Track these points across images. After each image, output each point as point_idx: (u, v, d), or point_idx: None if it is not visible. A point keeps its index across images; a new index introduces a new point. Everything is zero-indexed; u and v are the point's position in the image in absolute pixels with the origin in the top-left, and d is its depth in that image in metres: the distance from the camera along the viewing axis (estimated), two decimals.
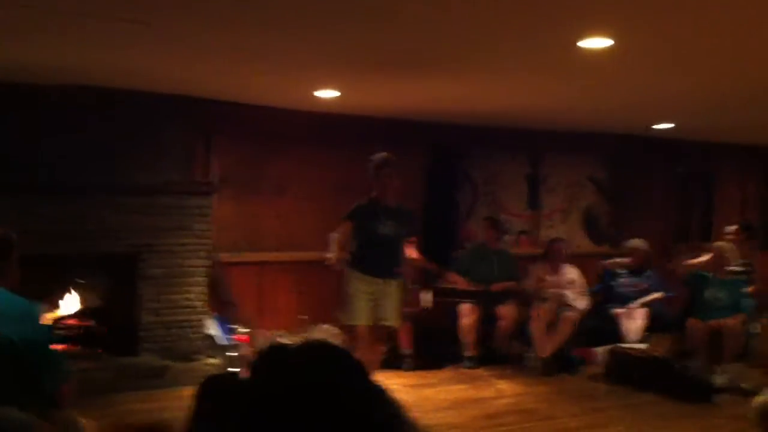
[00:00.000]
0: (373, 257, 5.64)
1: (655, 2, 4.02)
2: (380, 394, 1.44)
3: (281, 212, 7.72)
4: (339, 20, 4.35)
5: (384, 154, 5.80)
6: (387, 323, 5.73)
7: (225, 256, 7.16)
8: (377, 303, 5.65)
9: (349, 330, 5.66)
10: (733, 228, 8.14)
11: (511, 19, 4.33)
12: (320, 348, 1.46)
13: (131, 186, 6.36)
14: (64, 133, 6.21)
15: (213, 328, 6.67)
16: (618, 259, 8.05)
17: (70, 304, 6.48)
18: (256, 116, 7.30)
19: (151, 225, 6.41)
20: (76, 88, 6.14)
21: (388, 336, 6.32)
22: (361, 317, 5.61)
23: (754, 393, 6.07)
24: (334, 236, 5.79)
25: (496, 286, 7.51)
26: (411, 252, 6.68)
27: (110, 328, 6.47)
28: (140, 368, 6.20)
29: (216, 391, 3.04)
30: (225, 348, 6.58)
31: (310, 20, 4.36)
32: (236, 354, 6.54)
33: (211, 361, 6.43)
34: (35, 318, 3.38)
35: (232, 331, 6.88)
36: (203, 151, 7.29)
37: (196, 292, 6.54)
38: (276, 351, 1.47)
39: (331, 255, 5.74)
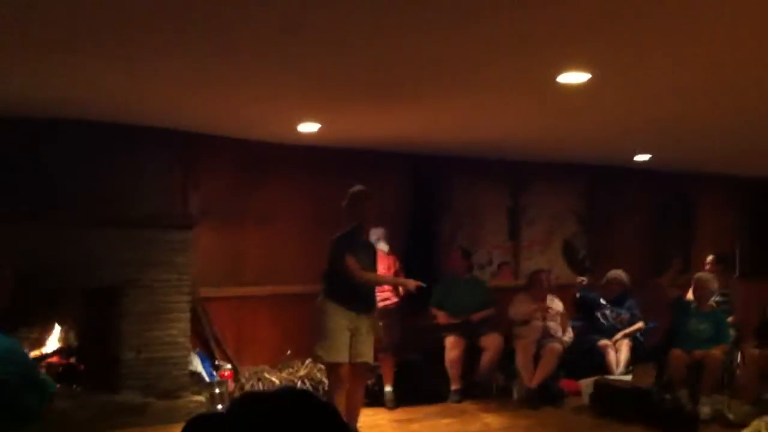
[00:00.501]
0: (355, 291, 5.54)
1: (632, 37, 4.09)
2: None
3: (263, 245, 7.69)
4: (318, 52, 4.38)
5: (361, 187, 5.73)
6: (364, 359, 5.60)
7: (206, 291, 7.12)
8: (355, 339, 5.53)
9: (330, 367, 5.60)
10: (710, 258, 8.22)
11: (491, 52, 4.37)
12: (294, 397, 1.45)
13: (113, 218, 6.30)
14: (43, 165, 6.17)
15: (197, 365, 6.61)
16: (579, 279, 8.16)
17: (52, 341, 6.41)
18: (237, 148, 7.32)
19: (133, 259, 6.36)
20: (56, 120, 6.12)
21: (370, 371, 6.26)
22: (344, 354, 5.47)
23: (740, 425, 6.16)
24: (373, 277, 5.80)
25: (476, 316, 7.51)
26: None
27: (90, 364, 6.39)
28: (121, 406, 6.10)
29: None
30: (209, 385, 6.51)
31: (290, 54, 4.39)
32: (220, 391, 6.48)
33: (196, 398, 6.35)
34: (20, 354, 3.36)
35: (215, 368, 6.82)
36: (184, 183, 7.26)
37: (179, 328, 6.48)
38: (249, 400, 1.47)
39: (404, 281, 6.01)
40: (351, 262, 5.49)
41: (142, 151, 6.58)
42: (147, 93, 5.44)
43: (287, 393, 1.47)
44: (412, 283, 5.80)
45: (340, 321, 5.48)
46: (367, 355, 5.60)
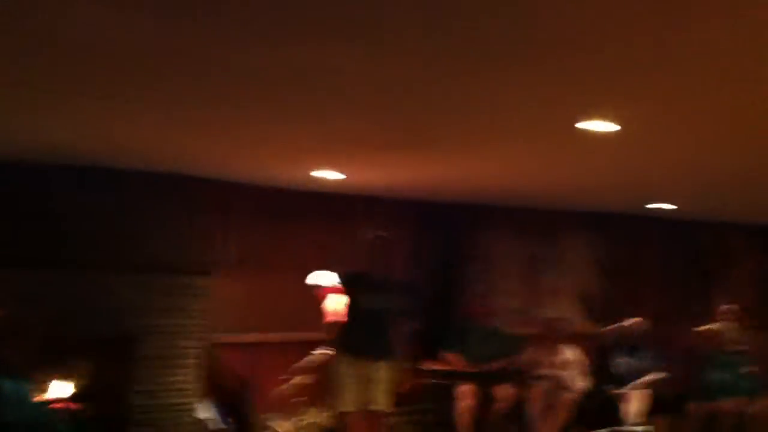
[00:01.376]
0: (362, 335, 5.45)
1: (657, 89, 4.06)
2: None
3: (284, 292, 7.58)
4: (340, 105, 4.39)
5: (379, 230, 5.74)
6: (376, 407, 5.46)
7: (224, 337, 7.02)
8: (366, 386, 5.42)
9: (341, 417, 5.51)
10: (726, 308, 8.12)
11: (516, 100, 4.33)
12: None
13: (129, 264, 6.27)
14: (64, 211, 6.16)
15: (207, 412, 6.50)
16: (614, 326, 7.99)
17: (60, 387, 6.33)
18: (260, 196, 7.30)
19: (148, 305, 6.33)
20: (72, 167, 6.12)
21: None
22: (349, 403, 5.38)
23: None
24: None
25: (496, 365, 7.38)
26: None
27: (102, 410, 6.30)
28: None
29: None
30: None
31: (311, 105, 4.39)
32: None
33: None
34: (29, 399, 3.32)
35: (230, 414, 6.71)
36: (206, 230, 7.22)
37: (192, 375, 6.40)
38: None
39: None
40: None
41: (161, 197, 6.56)
42: (164, 138, 5.45)
43: None
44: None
45: (346, 369, 5.41)
46: (381, 402, 5.47)
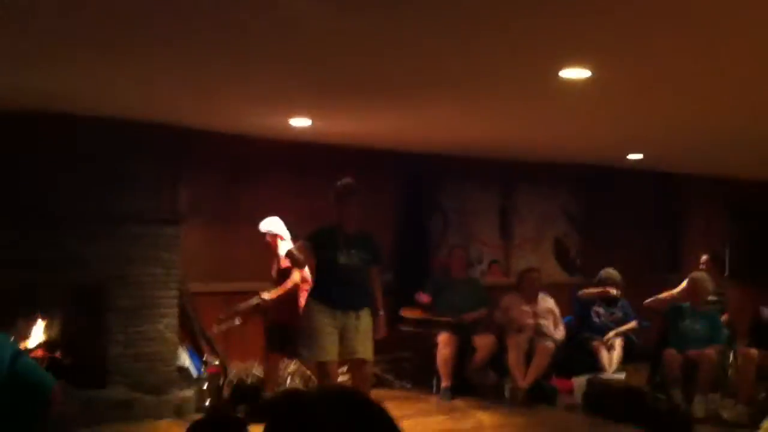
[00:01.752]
0: (336, 289, 5.39)
1: (634, 36, 4.02)
2: None
3: (251, 242, 7.58)
4: (312, 49, 4.28)
5: (347, 180, 5.62)
6: (358, 356, 5.43)
7: (194, 286, 7.01)
8: (344, 336, 5.38)
9: (316, 368, 5.49)
10: (704, 258, 8.18)
11: (489, 48, 4.28)
12: (343, 397, 1.34)
13: (99, 214, 6.18)
14: (28, 161, 6.05)
15: (185, 360, 6.50)
16: (591, 289, 8.01)
17: (36, 335, 6.29)
18: (226, 144, 7.21)
19: (120, 255, 6.25)
20: (39, 114, 5.99)
21: None
22: (328, 353, 5.31)
23: (734, 424, 6.13)
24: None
25: (469, 316, 7.43)
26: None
27: (76, 359, 6.27)
28: (108, 401, 5.99)
29: None
30: (197, 380, 6.41)
31: (282, 50, 4.29)
32: (209, 386, 6.38)
33: (183, 393, 6.24)
34: (8, 344, 3.23)
35: (204, 363, 6.72)
36: (172, 179, 7.15)
37: (166, 324, 6.37)
38: (292, 400, 1.35)
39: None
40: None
41: (128, 146, 6.45)
42: (134, 87, 5.32)
43: (336, 396, 1.35)
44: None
45: (323, 320, 5.34)
46: (362, 352, 5.44)
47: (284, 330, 6.21)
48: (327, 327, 5.33)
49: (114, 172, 6.37)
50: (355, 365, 5.52)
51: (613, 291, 7.85)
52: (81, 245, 6.08)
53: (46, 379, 3.21)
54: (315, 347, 5.35)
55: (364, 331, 5.47)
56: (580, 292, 8.07)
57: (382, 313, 5.66)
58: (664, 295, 7.54)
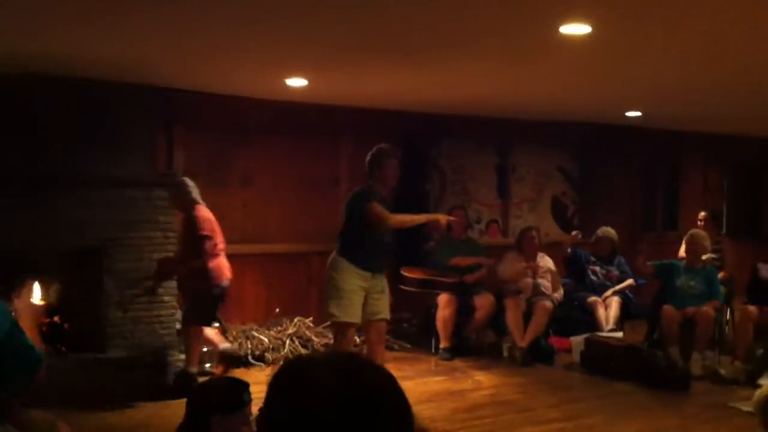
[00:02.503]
0: (371, 251, 5.42)
1: None
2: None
3: (247, 204, 7.57)
4: (308, 5, 4.20)
5: (384, 144, 5.58)
6: (382, 316, 5.53)
7: None
8: (370, 298, 5.44)
9: (338, 327, 5.50)
10: (702, 215, 8.18)
11: (491, 3, 4.22)
12: (349, 362, 1.31)
13: (93, 178, 6.13)
14: (22, 124, 5.98)
15: None
16: (574, 232, 8.02)
17: (34, 300, 6.25)
18: (221, 106, 7.16)
19: (116, 218, 6.19)
20: (34, 77, 5.91)
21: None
22: (357, 314, 5.38)
23: (732, 381, 6.17)
24: (401, 217, 5.58)
25: (469, 277, 7.43)
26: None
27: (76, 324, 6.26)
28: (108, 364, 5.99)
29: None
30: None
31: (277, 5, 4.21)
32: (208, 349, 6.38)
33: (183, 356, 6.24)
34: (5, 310, 3.19)
35: None
36: (167, 141, 7.11)
37: (165, 287, 6.35)
38: (300, 366, 1.33)
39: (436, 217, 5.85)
40: (376, 208, 5.34)
41: (123, 109, 6.37)
42: (127, 47, 5.23)
43: (343, 361, 1.33)
44: (442, 218, 5.85)
45: (353, 281, 5.38)
46: (385, 312, 5.55)
47: (205, 300, 6.06)
48: (359, 289, 5.40)
49: (108, 136, 6.30)
50: (375, 324, 5.55)
51: (574, 233, 7.96)
52: (78, 209, 6.03)
53: (39, 356, 3.18)
54: (348, 308, 5.38)
55: (386, 293, 5.58)
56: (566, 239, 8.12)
57: (415, 274, 6.23)
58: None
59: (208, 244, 5.93)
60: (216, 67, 5.97)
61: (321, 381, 1.24)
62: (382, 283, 5.54)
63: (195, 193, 6.03)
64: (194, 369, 5.98)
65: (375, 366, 1.31)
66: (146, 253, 6.34)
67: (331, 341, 6.99)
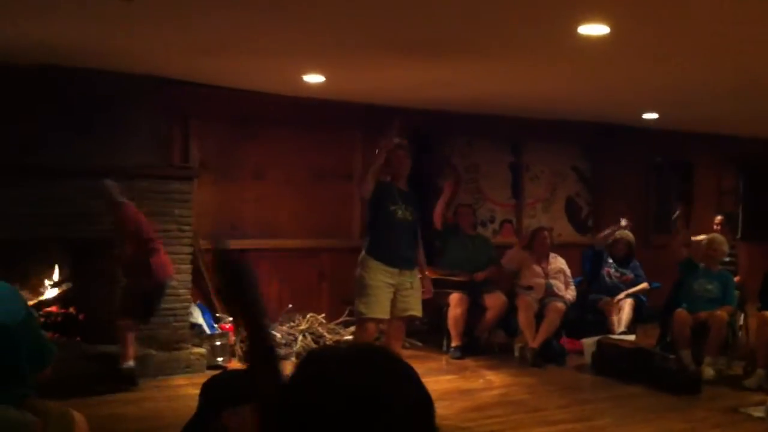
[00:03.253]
0: (393, 245, 5.43)
1: None
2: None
3: (259, 198, 7.59)
4: (329, 2, 4.22)
5: (397, 139, 5.62)
6: (412, 313, 5.58)
7: (205, 243, 7.02)
8: (400, 295, 5.47)
9: (361, 323, 5.52)
10: (718, 219, 8.13)
11: (511, 3, 4.22)
12: (374, 355, 1.32)
13: (109, 169, 6.16)
14: (38, 115, 6.01)
15: (198, 317, 6.53)
16: (604, 232, 7.95)
17: (48, 289, 6.31)
18: (235, 99, 7.18)
19: None
20: (49, 67, 5.95)
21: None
22: (384, 311, 5.40)
23: (759, 388, 6.13)
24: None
25: (480, 275, 7.42)
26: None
27: (90, 315, 6.30)
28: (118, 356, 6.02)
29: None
30: (210, 337, 6.44)
31: (301, 3, 4.22)
32: (221, 343, 6.41)
33: (196, 350, 6.28)
34: (22, 299, 3.22)
35: (216, 320, 6.75)
36: (182, 134, 7.14)
37: (180, 280, 6.38)
38: (321, 358, 1.34)
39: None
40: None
41: (139, 100, 6.40)
42: (144, 41, 5.26)
43: (367, 353, 1.34)
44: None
45: (380, 278, 5.40)
46: (416, 309, 5.59)
47: (139, 295, 5.89)
48: (385, 286, 5.42)
49: (125, 127, 6.34)
50: (396, 321, 5.58)
51: (623, 222, 7.78)
52: (92, 201, 6.05)
53: (51, 348, 3.22)
54: (374, 305, 5.40)
55: (417, 288, 5.61)
56: (596, 237, 8.03)
57: (427, 272, 5.92)
58: (694, 239, 7.54)
59: (147, 241, 5.83)
60: (234, 63, 6.00)
61: (344, 373, 1.25)
62: (412, 279, 5.55)
63: (116, 193, 5.84)
64: (130, 363, 5.77)
65: (397, 358, 1.32)
66: (162, 246, 6.36)
67: (343, 338, 7.05)
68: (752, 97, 7.14)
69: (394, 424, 1.22)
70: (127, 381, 5.67)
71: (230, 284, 1.97)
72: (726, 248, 7.21)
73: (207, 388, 2.95)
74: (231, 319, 6.50)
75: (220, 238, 6.65)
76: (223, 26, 4.79)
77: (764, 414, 5.41)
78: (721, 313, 6.70)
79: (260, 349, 1.86)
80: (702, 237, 7.64)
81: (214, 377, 2.95)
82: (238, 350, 6.58)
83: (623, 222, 7.68)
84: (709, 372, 6.51)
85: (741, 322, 7.73)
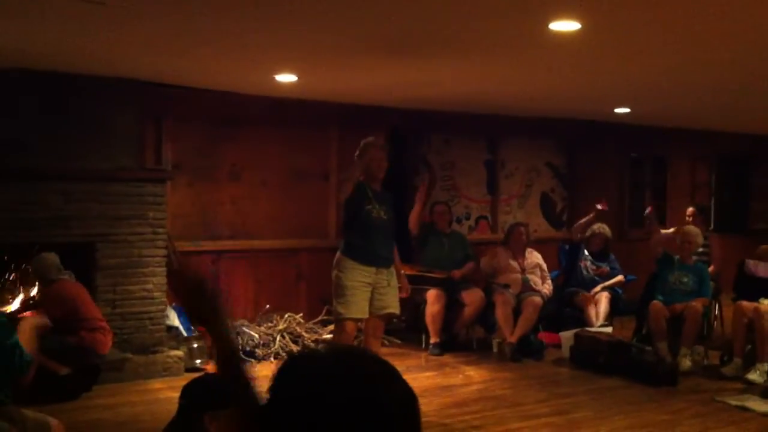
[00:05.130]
0: (370, 244, 5.42)
1: None
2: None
3: (236, 199, 7.56)
4: (300, 2, 4.20)
5: (372, 138, 5.61)
6: (390, 311, 5.57)
7: (181, 245, 6.99)
8: (377, 293, 5.46)
9: (339, 323, 5.51)
10: (690, 210, 8.20)
11: (480, 0, 4.22)
12: (358, 359, 1.32)
13: (82, 172, 6.11)
14: (11, 119, 5.95)
15: (174, 319, 6.49)
16: (583, 220, 7.97)
17: (20, 296, 6.24)
18: (209, 101, 7.13)
19: (104, 213, 6.19)
20: (23, 71, 5.89)
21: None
22: (362, 310, 5.41)
23: (735, 378, 6.21)
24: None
25: (458, 272, 7.44)
26: None
27: None
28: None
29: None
30: (186, 339, 6.40)
31: (272, 4, 4.20)
32: (198, 345, 6.38)
33: (173, 353, 6.24)
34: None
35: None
36: (155, 136, 7.09)
37: (155, 283, 6.34)
38: (303, 361, 1.33)
39: None
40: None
41: (111, 103, 6.35)
42: (114, 43, 5.21)
43: (349, 357, 1.33)
44: None
45: (357, 277, 5.39)
46: (393, 306, 5.58)
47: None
48: (363, 285, 5.41)
49: (97, 130, 6.29)
50: (374, 319, 5.57)
51: (599, 206, 7.79)
52: (67, 204, 6.02)
53: (28, 359, 3.19)
54: (352, 305, 5.40)
55: (394, 287, 5.60)
56: (574, 227, 8.06)
57: (404, 272, 5.93)
58: (664, 232, 7.60)
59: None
60: (205, 63, 5.95)
61: (326, 373, 1.25)
62: (389, 277, 5.54)
63: (54, 270, 5.72)
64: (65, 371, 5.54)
65: (377, 357, 1.32)
66: (136, 249, 6.33)
67: (321, 337, 7.04)
68: (724, 92, 7.20)
69: (386, 426, 1.22)
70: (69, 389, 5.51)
71: (190, 301, 1.99)
72: (700, 240, 7.28)
73: (187, 391, 2.94)
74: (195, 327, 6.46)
75: (176, 259, 6.61)
76: (191, 27, 4.74)
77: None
78: (696, 305, 6.76)
79: (224, 356, 1.87)
80: (671, 230, 7.71)
81: (194, 380, 2.94)
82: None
83: (599, 206, 7.69)
84: (686, 363, 6.58)
85: (716, 312, 7.82)
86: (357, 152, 5.54)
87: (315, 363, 1.30)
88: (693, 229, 7.33)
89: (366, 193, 5.47)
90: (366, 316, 5.45)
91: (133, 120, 6.58)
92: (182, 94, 6.87)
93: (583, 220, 7.90)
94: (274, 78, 6.38)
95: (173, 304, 6.33)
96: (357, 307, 5.39)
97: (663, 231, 7.77)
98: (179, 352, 6.28)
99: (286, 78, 6.39)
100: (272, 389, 1.28)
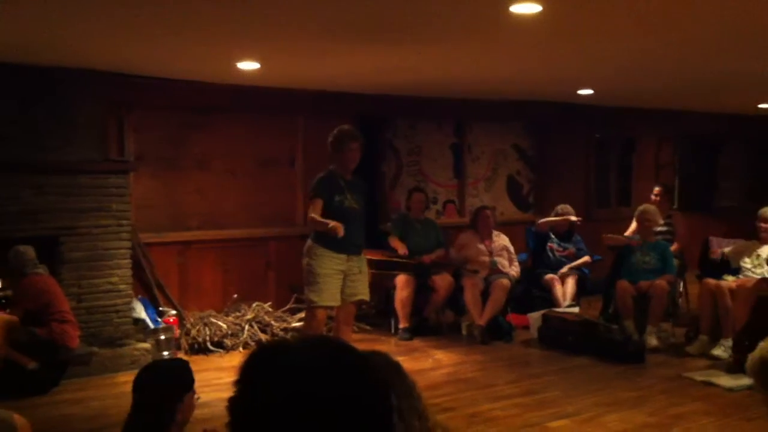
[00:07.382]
0: (347, 232, 5.40)
1: None
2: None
3: (203, 189, 7.50)
4: None
5: (346, 126, 5.63)
6: (360, 297, 5.64)
7: (147, 237, 6.93)
8: (348, 280, 5.51)
9: (311, 311, 5.52)
10: (656, 189, 8.28)
11: None
12: (329, 348, 1.29)
13: (43, 165, 6.03)
14: None
15: (141, 312, 6.44)
16: (551, 218, 8.02)
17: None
18: (173, 90, 7.05)
19: (68, 206, 6.12)
20: None
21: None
22: (334, 298, 5.46)
23: (701, 354, 6.29)
24: (315, 217, 5.44)
25: (428, 257, 7.45)
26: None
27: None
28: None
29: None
30: (154, 331, 6.35)
31: None
32: (165, 337, 6.33)
33: (140, 345, 6.19)
34: None
35: (159, 314, 6.66)
36: (118, 127, 7.00)
37: (120, 275, 6.28)
38: (272, 351, 1.29)
39: (333, 225, 5.29)
40: (313, 208, 5.47)
41: (72, 94, 6.27)
42: (72, 33, 5.12)
43: (321, 346, 1.30)
44: (339, 229, 5.34)
45: (329, 265, 5.43)
46: (363, 292, 5.64)
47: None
48: (335, 273, 5.45)
49: (61, 122, 6.20)
50: (346, 306, 5.62)
51: (572, 218, 7.89)
52: (30, 197, 5.94)
53: None
54: (324, 293, 5.43)
55: (364, 273, 5.67)
56: (540, 221, 8.10)
57: (371, 255, 6.15)
58: (623, 237, 7.67)
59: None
60: (167, 52, 5.87)
61: (299, 361, 1.22)
62: (360, 264, 5.60)
63: (30, 264, 5.72)
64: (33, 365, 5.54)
65: (349, 346, 1.30)
66: (100, 242, 6.27)
67: (290, 325, 7.02)
68: (687, 72, 7.25)
69: (368, 417, 1.20)
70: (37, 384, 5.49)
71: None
72: (658, 218, 7.36)
73: (166, 377, 3.00)
74: (174, 312, 6.43)
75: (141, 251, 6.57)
76: (152, 15, 4.68)
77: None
78: (662, 282, 6.84)
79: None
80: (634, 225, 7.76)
81: (170, 367, 3.01)
82: (184, 343, 6.52)
83: (573, 218, 7.87)
84: (652, 340, 6.66)
85: (681, 289, 7.91)
86: (331, 140, 5.52)
87: (291, 354, 1.25)
88: (650, 207, 7.41)
89: (338, 183, 5.47)
90: (338, 303, 5.49)
91: (97, 111, 6.49)
92: (146, 83, 6.78)
93: (550, 220, 7.95)
94: (235, 66, 6.32)
95: (139, 296, 6.28)
96: (329, 294, 5.42)
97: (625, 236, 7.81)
98: (146, 345, 6.22)
99: (248, 66, 6.33)
100: (243, 382, 1.23)
